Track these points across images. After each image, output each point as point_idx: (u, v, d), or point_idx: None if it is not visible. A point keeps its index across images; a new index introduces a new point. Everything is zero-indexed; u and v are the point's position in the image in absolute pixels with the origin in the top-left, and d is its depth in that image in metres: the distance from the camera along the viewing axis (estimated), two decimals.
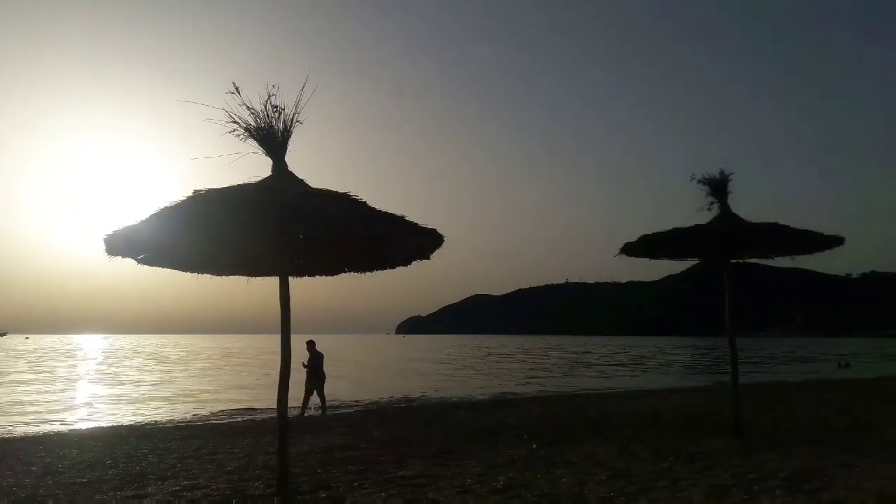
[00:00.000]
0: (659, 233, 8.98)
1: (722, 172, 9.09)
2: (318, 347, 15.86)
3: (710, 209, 9.10)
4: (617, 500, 5.82)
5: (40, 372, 37.07)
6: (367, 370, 39.67)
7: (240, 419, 16.22)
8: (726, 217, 8.99)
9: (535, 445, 9.06)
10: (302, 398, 15.30)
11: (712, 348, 77.81)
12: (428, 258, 7.44)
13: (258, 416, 16.39)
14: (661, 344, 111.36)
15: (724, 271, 9.34)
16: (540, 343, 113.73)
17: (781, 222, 8.79)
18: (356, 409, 17.58)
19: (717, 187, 9.07)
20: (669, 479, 6.58)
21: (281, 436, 6.66)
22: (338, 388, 24.79)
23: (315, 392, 15.64)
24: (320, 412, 15.55)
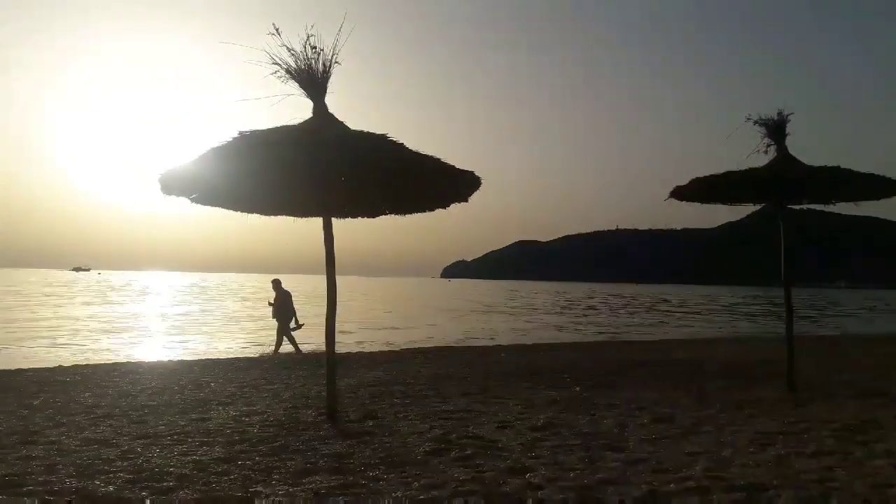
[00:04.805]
0: (711, 176, 8.69)
1: (780, 113, 8.67)
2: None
3: (766, 152, 8.74)
4: (658, 443, 5.87)
5: (114, 304, 39.03)
6: (412, 312, 40.36)
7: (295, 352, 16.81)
8: (784, 160, 8.63)
9: (577, 388, 9.18)
10: (289, 340, 15.71)
11: (767, 298, 76.05)
12: (466, 200, 7.51)
13: (312, 350, 16.96)
14: (714, 293, 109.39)
15: (780, 218, 9.07)
16: (586, 290, 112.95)
17: (843, 166, 8.42)
18: (402, 347, 17.98)
19: (775, 129, 8.67)
20: (713, 425, 6.58)
21: (329, 368, 6.99)
22: (384, 328, 25.45)
23: (285, 332, 15.73)
24: (295, 352, 15.58)
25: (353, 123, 6.68)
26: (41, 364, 13.95)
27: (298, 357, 14.71)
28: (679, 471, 4.93)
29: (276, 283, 16.10)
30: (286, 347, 15.76)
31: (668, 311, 46.88)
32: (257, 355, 15.51)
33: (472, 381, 9.90)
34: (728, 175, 8.61)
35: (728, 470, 4.95)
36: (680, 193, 9.20)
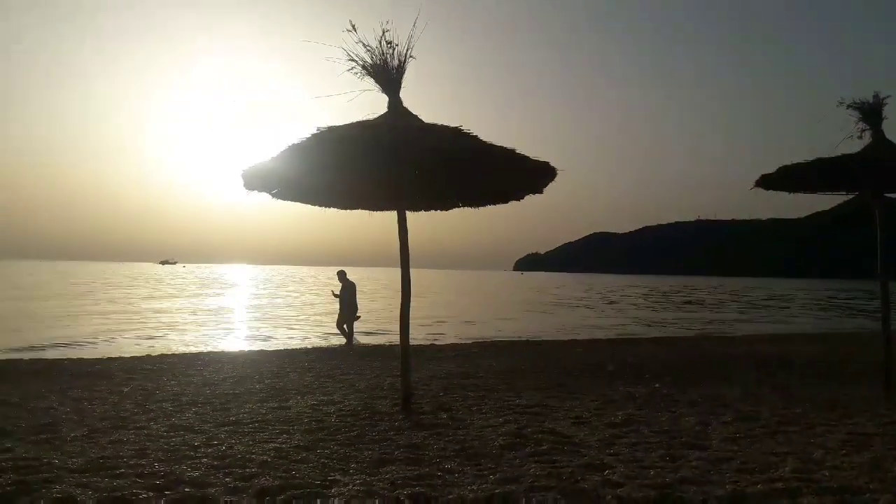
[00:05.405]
0: (800, 163, 8.22)
1: (876, 95, 8.14)
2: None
3: (860, 137, 8.22)
4: (742, 441, 5.65)
5: (197, 296, 40.78)
6: (483, 305, 40.33)
7: (371, 344, 17.10)
8: (880, 145, 8.09)
9: (657, 385, 8.94)
10: (341, 331, 15.90)
11: (862, 291, 72.01)
12: (541, 192, 7.40)
13: (385, 342, 17.22)
14: (802, 286, 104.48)
15: (876, 207, 8.52)
16: (665, 283, 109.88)
17: None
18: (474, 340, 17.98)
19: (871, 112, 8.14)
20: (802, 425, 6.27)
21: (403, 360, 7.05)
22: (455, 321, 25.53)
23: (346, 323, 15.92)
24: (346, 343, 15.80)
25: (428, 116, 6.72)
26: (130, 353, 14.72)
27: (346, 349, 14.95)
28: (766, 471, 4.72)
29: (342, 275, 16.37)
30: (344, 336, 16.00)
31: (752, 304, 45.13)
32: (337, 346, 15.85)
33: (546, 376, 9.80)
34: (819, 162, 8.14)
35: (819, 472, 4.70)
36: (767, 182, 8.76)
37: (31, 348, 15.23)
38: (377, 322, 24.11)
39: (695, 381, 9.30)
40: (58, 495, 4.13)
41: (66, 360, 12.97)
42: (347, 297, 15.90)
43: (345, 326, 16.06)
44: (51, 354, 14.26)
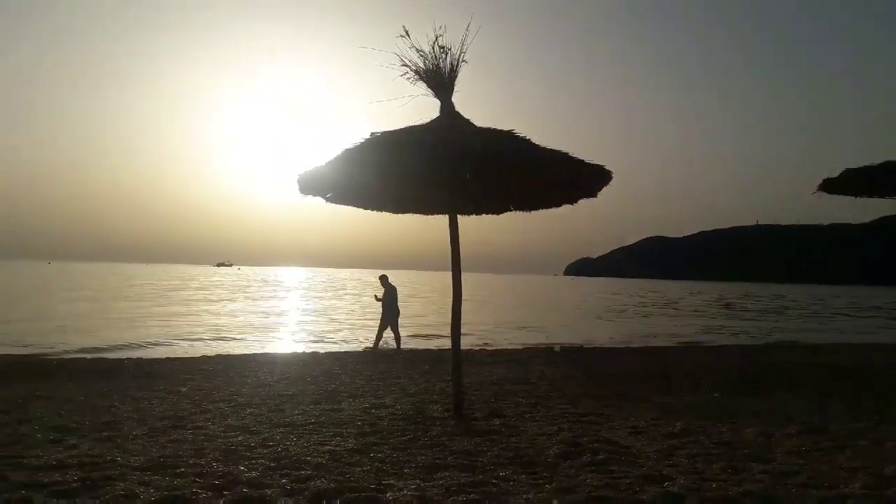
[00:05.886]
0: (867, 167, 7.92)
1: None
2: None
3: None
4: (808, 455, 5.41)
5: (251, 298, 41.69)
6: (534, 310, 40.01)
7: (419, 348, 17.13)
8: None
9: (716, 394, 8.68)
10: (383, 335, 15.85)
11: None
12: (595, 196, 7.28)
13: (434, 346, 17.23)
14: (868, 294, 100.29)
15: None
16: (723, 290, 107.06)
17: None
18: (526, 346, 17.82)
19: None
20: (871, 439, 5.97)
21: (455, 365, 7.02)
22: (506, 326, 25.38)
23: (389, 327, 15.84)
24: (395, 347, 15.74)
25: (480, 120, 6.69)
26: (187, 354, 15.13)
27: (377, 352, 15.00)
28: (835, 486, 4.51)
29: (384, 279, 16.45)
30: (372, 339, 16.02)
31: (815, 312, 43.56)
32: (386, 350, 15.94)
33: (600, 384, 9.62)
34: (887, 165, 7.81)
35: (891, 489, 4.46)
36: (830, 186, 8.44)
37: (95, 348, 15.78)
38: (427, 326, 24.21)
39: (756, 391, 9.01)
40: (121, 493, 4.23)
41: (126, 359, 13.42)
42: (389, 301, 15.98)
43: (388, 330, 16.15)
44: (113, 354, 14.78)
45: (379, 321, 16.13)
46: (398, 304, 16.16)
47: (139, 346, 16.57)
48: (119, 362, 12.78)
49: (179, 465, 4.89)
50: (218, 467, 4.84)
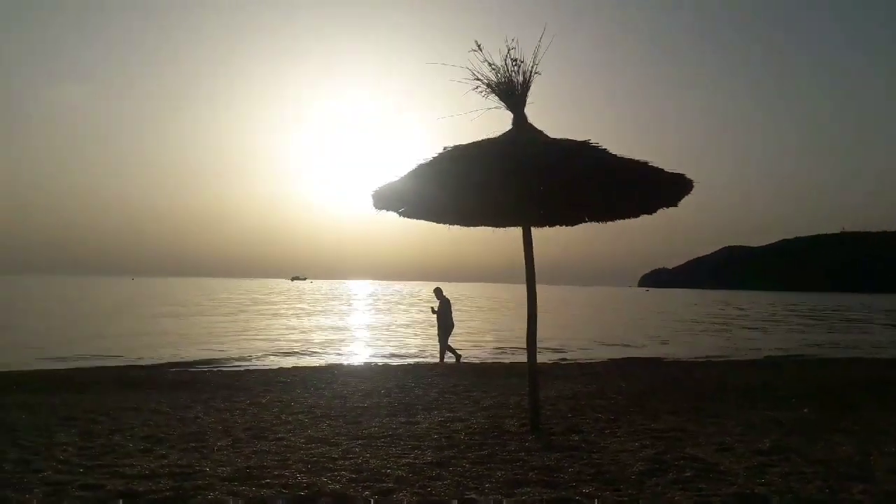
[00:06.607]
0: None
1: None
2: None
3: None
4: None
5: (325, 311, 42.57)
6: (608, 323, 39.22)
7: (490, 361, 17.06)
8: None
9: (805, 410, 8.26)
10: (438, 349, 15.87)
11: None
12: (675, 205, 7.08)
13: (506, 359, 17.12)
14: None
15: None
16: (807, 301, 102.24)
17: None
18: (601, 360, 17.48)
19: None
20: None
21: (531, 379, 6.93)
22: (580, 339, 24.96)
23: (442, 339, 15.81)
24: (454, 360, 15.69)
25: (554, 131, 6.63)
26: (265, 366, 15.57)
27: (441, 367, 14.92)
28: None
29: (438, 291, 16.47)
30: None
31: None
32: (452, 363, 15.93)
33: (682, 399, 9.29)
34: None
35: None
36: None
37: (178, 362, 16.31)
38: (498, 339, 24.11)
39: (848, 407, 8.52)
40: (212, 503, 4.35)
41: (207, 371, 13.91)
42: (444, 313, 16.02)
43: (443, 343, 16.18)
44: (194, 366, 15.34)
45: (437, 333, 16.22)
46: (453, 316, 16.22)
47: (219, 359, 17.10)
48: (201, 374, 13.27)
49: (265, 475, 5.00)
50: (302, 478, 4.91)
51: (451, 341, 16.33)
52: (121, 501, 4.38)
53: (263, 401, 9.06)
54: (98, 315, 36.26)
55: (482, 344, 22.04)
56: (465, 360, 16.05)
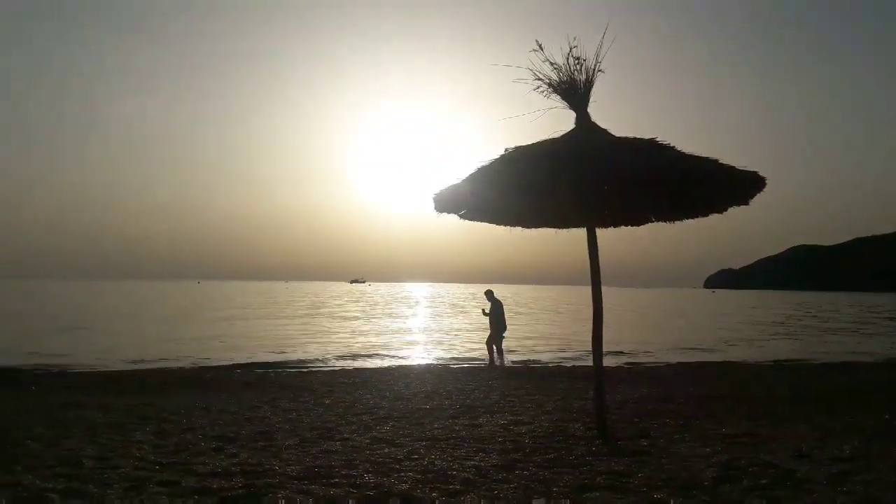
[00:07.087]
0: None
1: None
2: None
3: None
4: None
5: (390, 314, 43.04)
6: (675, 326, 38.30)
7: (551, 365, 16.89)
8: None
9: (887, 416, 7.86)
10: (490, 350, 15.67)
11: None
12: (747, 203, 6.85)
13: (568, 363, 16.92)
14: None
15: None
16: (885, 302, 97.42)
17: None
18: (667, 363, 17.07)
19: None
20: None
21: (597, 383, 6.81)
22: (644, 342, 24.43)
23: (494, 341, 15.64)
24: (499, 362, 15.52)
25: (620, 130, 6.51)
26: (328, 367, 15.83)
27: (496, 368, 14.82)
28: None
29: (489, 294, 16.37)
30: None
31: None
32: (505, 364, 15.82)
33: (753, 403, 8.98)
34: None
35: None
36: None
37: (244, 363, 16.66)
38: (564, 342, 23.86)
39: None
40: (283, 501, 4.44)
41: (272, 373, 14.22)
42: (496, 315, 15.92)
43: (494, 345, 16.06)
44: (259, 367, 15.70)
45: (488, 336, 16.16)
46: (505, 318, 16.11)
47: (283, 361, 17.40)
48: (265, 375, 13.59)
49: (333, 475, 5.08)
50: (369, 479, 4.97)
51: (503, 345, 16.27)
52: (196, 498, 4.51)
53: (327, 401, 9.21)
54: (168, 318, 37.58)
55: (542, 348, 21.84)
56: (527, 364, 15.96)
